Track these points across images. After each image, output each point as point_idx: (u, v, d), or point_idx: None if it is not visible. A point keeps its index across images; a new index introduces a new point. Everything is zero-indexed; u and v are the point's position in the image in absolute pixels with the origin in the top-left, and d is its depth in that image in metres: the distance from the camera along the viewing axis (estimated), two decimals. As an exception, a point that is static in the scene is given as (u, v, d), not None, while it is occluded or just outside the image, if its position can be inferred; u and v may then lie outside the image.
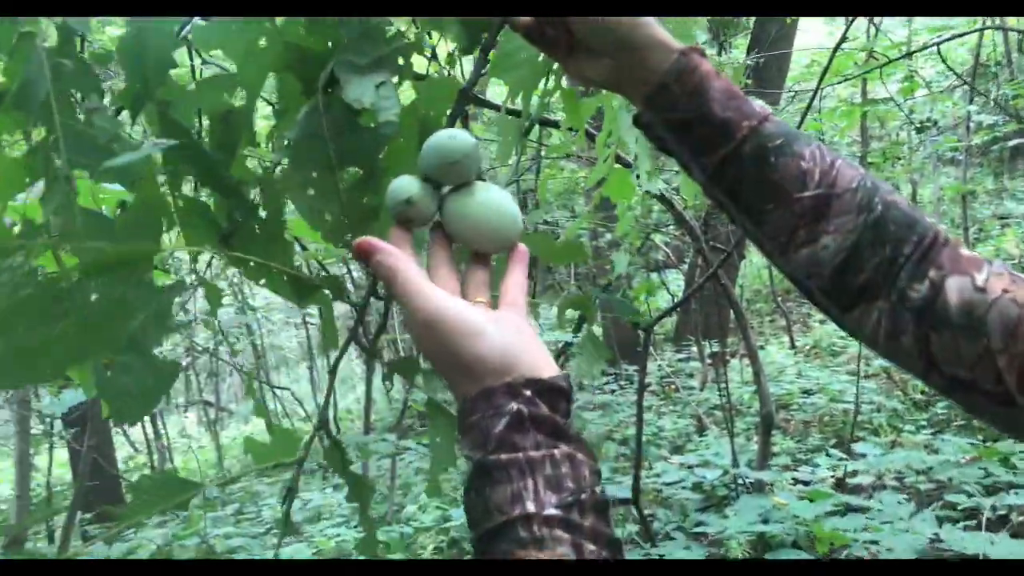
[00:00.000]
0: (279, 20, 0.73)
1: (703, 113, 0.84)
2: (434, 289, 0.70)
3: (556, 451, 0.63)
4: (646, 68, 0.85)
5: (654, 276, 8.39)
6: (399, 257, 0.71)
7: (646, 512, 4.40)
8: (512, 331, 0.69)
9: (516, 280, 0.76)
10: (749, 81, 5.06)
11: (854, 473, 4.12)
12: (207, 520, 5.61)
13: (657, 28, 0.86)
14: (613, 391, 7.47)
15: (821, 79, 3.31)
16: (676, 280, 10.01)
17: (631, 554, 3.58)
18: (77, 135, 0.60)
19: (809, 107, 3.26)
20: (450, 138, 0.77)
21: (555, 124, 2.43)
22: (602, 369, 1.24)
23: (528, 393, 0.65)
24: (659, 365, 7.73)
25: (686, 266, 8.01)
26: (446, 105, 0.92)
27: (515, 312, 0.73)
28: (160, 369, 0.64)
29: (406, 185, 0.76)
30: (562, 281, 9.08)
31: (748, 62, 5.53)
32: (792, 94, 6.52)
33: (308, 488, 7.07)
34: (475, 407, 0.65)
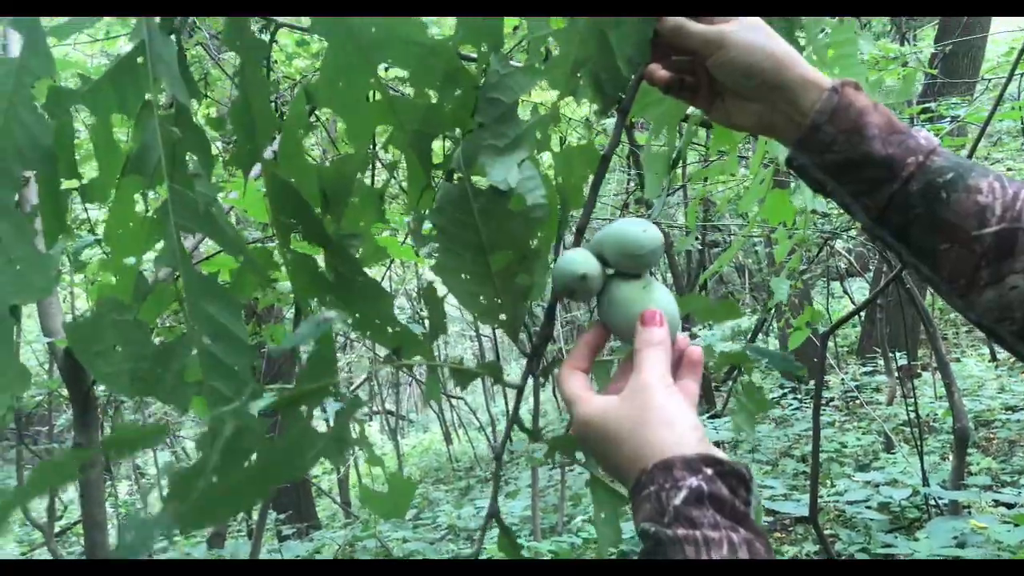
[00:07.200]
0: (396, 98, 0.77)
1: (863, 152, 0.78)
2: (593, 397, 0.75)
3: (735, 535, 0.60)
4: (796, 109, 0.81)
5: (835, 285, 7.98)
6: (570, 375, 0.78)
7: (827, 532, 4.18)
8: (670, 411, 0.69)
9: (685, 386, 0.77)
10: (936, 71, 4.72)
11: (1069, 497, 3.72)
12: (387, 525, 5.88)
13: (806, 66, 0.82)
14: (791, 406, 7.16)
15: (1017, 62, 3.03)
16: (861, 290, 9.47)
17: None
18: (184, 200, 0.66)
19: (1001, 96, 2.98)
20: (643, 231, 0.78)
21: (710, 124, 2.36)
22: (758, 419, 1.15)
23: (709, 471, 0.63)
24: (842, 379, 7.32)
25: (872, 274, 7.55)
26: (586, 172, 0.93)
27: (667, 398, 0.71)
28: (251, 425, 0.68)
29: (581, 261, 0.80)
30: (735, 291, 8.83)
31: (936, 51, 5.18)
32: (987, 85, 6.02)
33: (482, 496, 7.25)
34: (652, 479, 0.64)
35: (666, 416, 0.68)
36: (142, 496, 7.09)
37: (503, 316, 0.88)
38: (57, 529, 5.39)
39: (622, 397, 0.72)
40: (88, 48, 5.01)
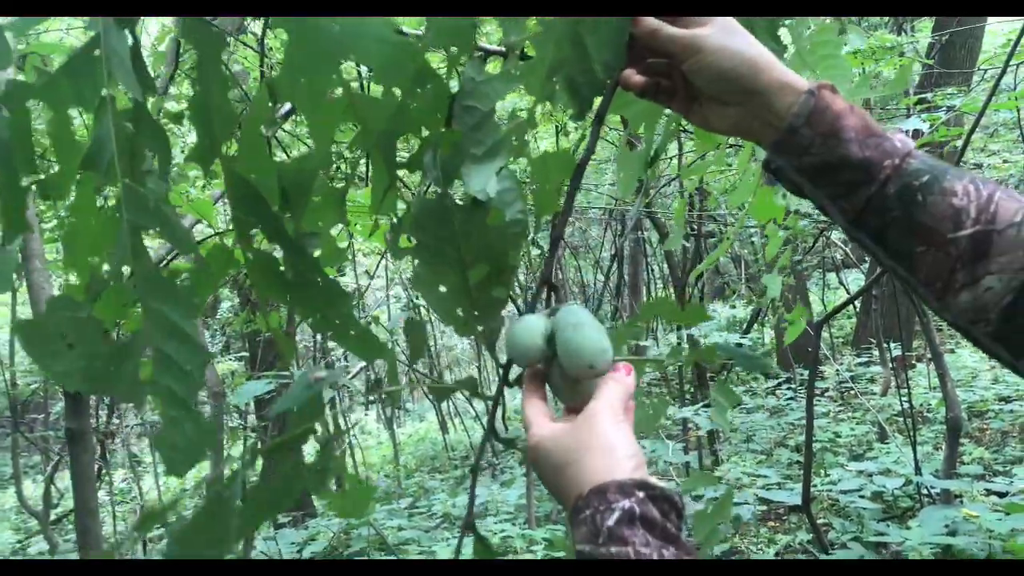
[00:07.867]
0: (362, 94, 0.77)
1: (840, 155, 0.79)
2: (546, 422, 0.78)
3: (667, 552, 0.63)
4: (773, 113, 0.81)
5: (831, 276, 7.98)
6: (531, 398, 0.82)
7: (821, 521, 4.20)
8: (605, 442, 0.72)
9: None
10: (933, 62, 4.70)
11: (1061, 487, 3.73)
12: (383, 513, 5.89)
13: (782, 69, 0.82)
14: (786, 395, 7.17)
15: (1012, 52, 3.01)
16: (857, 281, 9.47)
17: (802, 564, 3.41)
18: (137, 197, 0.65)
19: (996, 86, 2.97)
20: (590, 367, 0.78)
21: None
22: (731, 411, 1.21)
23: (641, 494, 0.66)
24: (837, 370, 7.33)
25: (867, 265, 7.55)
26: (561, 178, 0.93)
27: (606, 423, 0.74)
28: (204, 426, 0.69)
29: (525, 348, 0.81)
30: (731, 281, 8.84)
31: (933, 41, 5.15)
32: (983, 75, 5.99)
33: (478, 485, 7.26)
34: (588, 503, 0.67)
35: (607, 443, 0.71)
36: (137, 483, 7.11)
37: (480, 328, 0.89)
38: (53, 517, 5.40)
39: (573, 423, 0.75)
40: (82, 34, 4.99)
